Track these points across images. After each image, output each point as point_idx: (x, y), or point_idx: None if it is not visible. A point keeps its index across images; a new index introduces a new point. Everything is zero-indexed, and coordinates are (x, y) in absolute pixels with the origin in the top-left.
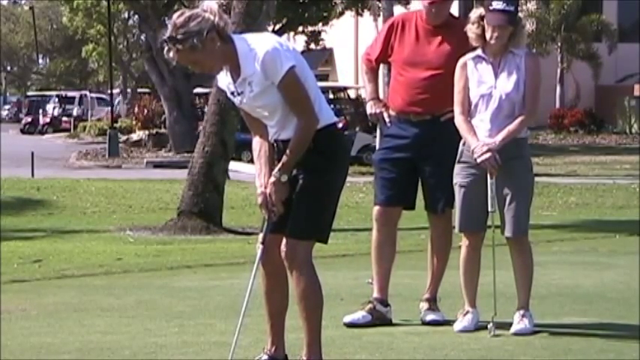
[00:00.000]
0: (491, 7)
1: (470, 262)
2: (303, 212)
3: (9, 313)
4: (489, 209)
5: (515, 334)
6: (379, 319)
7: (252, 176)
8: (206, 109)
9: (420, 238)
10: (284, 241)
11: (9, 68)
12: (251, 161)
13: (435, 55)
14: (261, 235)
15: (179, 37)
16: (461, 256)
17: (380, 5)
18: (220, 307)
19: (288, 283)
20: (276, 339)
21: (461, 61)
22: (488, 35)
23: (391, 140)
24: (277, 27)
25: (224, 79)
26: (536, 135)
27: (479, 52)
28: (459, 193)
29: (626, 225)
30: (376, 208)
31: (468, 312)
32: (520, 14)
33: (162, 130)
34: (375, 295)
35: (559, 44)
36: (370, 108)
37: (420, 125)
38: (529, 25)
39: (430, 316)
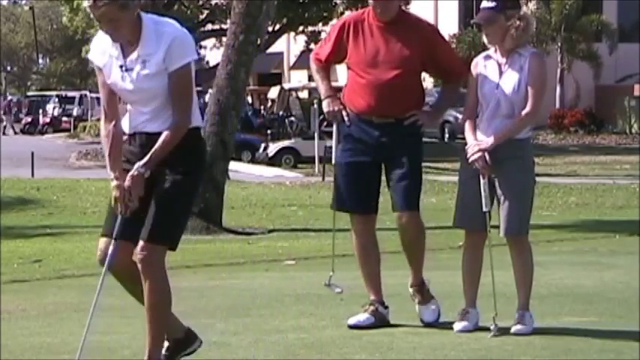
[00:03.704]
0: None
1: (470, 262)
2: (165, 214)
3: (9, 313)
4: (483, 208)
5: (515, 334)
6: (381, 320)
7: (252, 176)
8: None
9: None
10: (139, 244)
11: (9, 68)
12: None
13: (393, 53)
14: (114, 232)
15: None
16: (462, 255)
17: None
18: (220, 307)
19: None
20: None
21: (474, 61)
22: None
23: (353, 142)
24: (277, 27)
25: (101, 48)
26: (536, 135)
27: (489, 51)
28: (457, 190)
29: (626, 225)
30: (355, 217)
31: (467, 312)
32: (521, 12)
33: None
34: (373, 297)
35: (559, 44)
36: (328, 106)
37: (382, 128)
38: None
39: (430, 317)
